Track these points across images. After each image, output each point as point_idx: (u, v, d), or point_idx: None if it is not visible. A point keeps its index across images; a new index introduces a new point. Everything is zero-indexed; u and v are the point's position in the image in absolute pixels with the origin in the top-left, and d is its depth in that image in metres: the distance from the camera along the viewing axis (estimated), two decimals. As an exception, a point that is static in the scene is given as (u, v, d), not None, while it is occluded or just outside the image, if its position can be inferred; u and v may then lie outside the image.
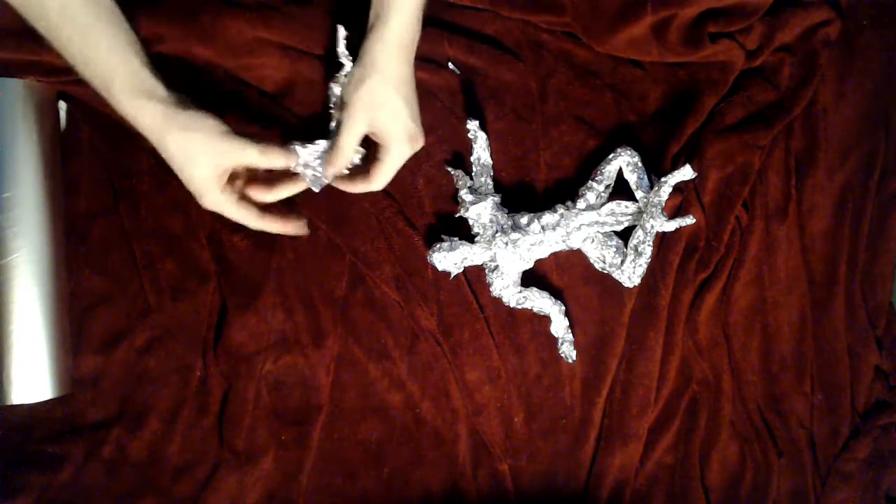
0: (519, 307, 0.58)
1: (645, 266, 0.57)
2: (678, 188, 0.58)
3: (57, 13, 0.44)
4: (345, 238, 0.60)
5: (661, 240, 0.60)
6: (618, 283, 0.59)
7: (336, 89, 0.54)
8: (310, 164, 0.52)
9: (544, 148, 0.61)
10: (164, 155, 0.48)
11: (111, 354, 0.59)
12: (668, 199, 0.56)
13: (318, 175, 0.52)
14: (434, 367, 0.60)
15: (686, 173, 0.54)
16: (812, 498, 0.62)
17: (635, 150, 0.56)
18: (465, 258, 0.56)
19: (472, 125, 0.58)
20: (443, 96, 0.60)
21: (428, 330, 0.60)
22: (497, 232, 0.56)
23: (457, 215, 0.58)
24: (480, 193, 0.57)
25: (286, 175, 0.53)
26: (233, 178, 0.50)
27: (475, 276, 0.60)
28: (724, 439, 0.62)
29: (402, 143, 0.50)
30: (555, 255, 0.60)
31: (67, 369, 0.57)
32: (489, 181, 0.59)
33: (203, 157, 0.47)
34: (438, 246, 0.56)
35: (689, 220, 0.56)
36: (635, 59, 0.62)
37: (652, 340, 0.60)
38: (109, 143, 0.60)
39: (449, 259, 0.56)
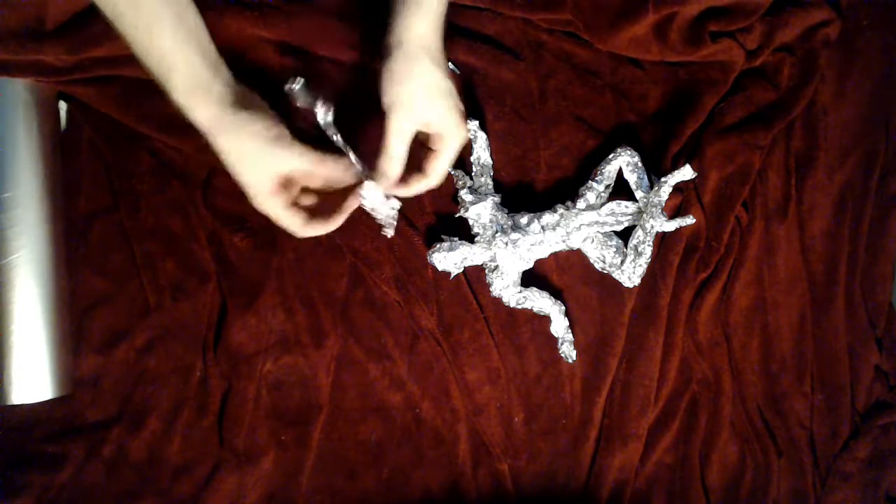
0: (519, 307, 0.58)
1: (645, 266, 0.57)
2: (678, 188, 0.58)
3: (124, 3, 0.43)
4: (345, 238, 0.60)
5: (661, 240, 0.60)
6: (618, 283, 0.59)
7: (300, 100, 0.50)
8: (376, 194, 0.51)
9: (544, 148, 0.61)
10: (216, 151, 0.47)
11: (111, 354, 0.59)
12: (668, 199, 0.56)
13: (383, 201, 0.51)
14: (434, 367, 0.60)
15: (686, 173, 0.54)
16: (812, 498, 0.62)
17: (635, 150, 0.56)
18: (465, 258, 0.56)
19: (472, 125, 0.58)
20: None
21: (428, 330, 0.60)
22: (497, 232, 0.56)
23: (457, 215, 0.58)
24: (480, 193, 0.57)
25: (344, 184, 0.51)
26: (288, 182, 0.48)
27: (475, 276, 0.60)
28: (724, 439, 0.62)
29: (460, 128, 0.49)
30: (555, 255, 0.60)
31: (67, 369, 0.57)
32: (489, 181, 0.59)
33: (253, 160, 0.46)
34: (438, 246, 0.56)
35: (689, 221, 0.56)
36: (635, 59, 0.62)
37: (652, 340, 0.60)
38: (109, 143, 0.60)
39: (449, 259, 0.56)
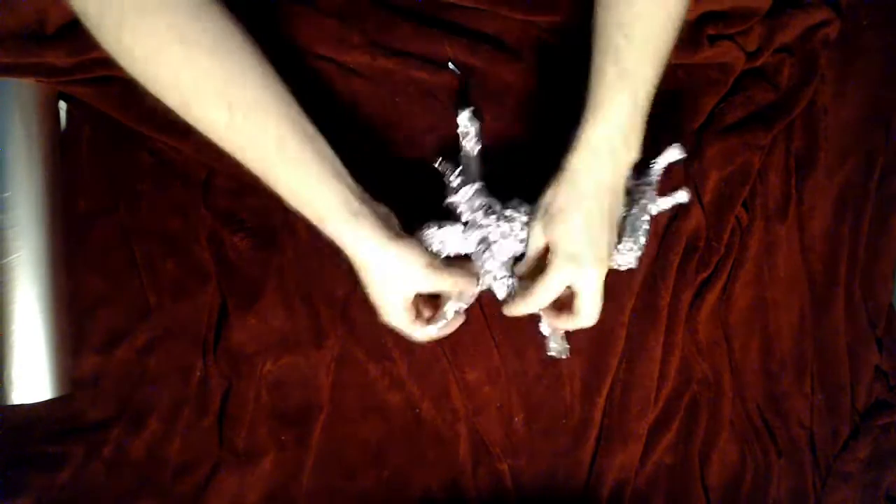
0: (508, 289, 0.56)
1: (641, 247, 0.55)
2: (677, 188, 0.58)
3: (275, 149, 0.44)
4: (345, 238, 0.60)
5: (661, 240, 0.60)
6: (618, 283, 0.59)
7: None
8: (496, 274, 0.54)
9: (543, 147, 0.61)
10: (360, 273, 0.49)
11: (111, 354, 0.59)
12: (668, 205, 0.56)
13: (507, 283, 0.54)
14: (434, 367, 0.60)
15: (674, 154, 0.53)
16: (812, 498, 0.62)
17: None
18: (454, 240, 0.54)
19: (463, 117, 0.57)
20: (443, 96, 0.60)
21: (428, 330, 0.60)
22: (487, 209, 0.54)
23: (445, 202, 0.56)
24: (468, 180, 0.55)
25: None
26: (417, 300, 0.51)
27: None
28: (724, 439, 0.62)
29: (561, 260, 0.48)
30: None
31: (67, 369, 0.57)
32: (478, 172, 0.57)
33: (401, 286, 0.48)
34: (428, 225, 0.54)
35: (682, 196, 0.55)
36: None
37: (652, 340, 0.60)
38: (109, 143, 0.60)
39: (437, 237, 0.54)
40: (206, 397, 0.59)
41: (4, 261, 0.54)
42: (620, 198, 0.49)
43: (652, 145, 0.61)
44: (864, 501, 0.62)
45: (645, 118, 0.48)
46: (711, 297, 0.61)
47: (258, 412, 0.59)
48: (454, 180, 0.56)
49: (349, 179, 0.47)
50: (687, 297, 0.60)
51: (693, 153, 0.60)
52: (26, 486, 0.56)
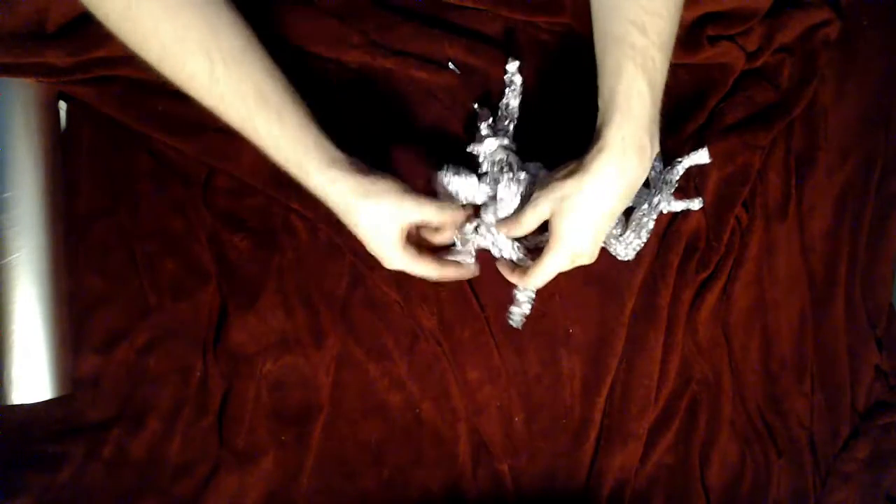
0: (507, 258, 0.57)
1: (642, 242, 0.56)
2: (679, 188, 0.58)
3: (254, 98, 0.46)
4: (345, 238, 0.59)
5: (661, 239, 0.60)
6: (618, 283, 0.59)
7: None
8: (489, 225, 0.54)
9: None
10: (350, 224, 0.49)
11: (111, 354, 0.59)
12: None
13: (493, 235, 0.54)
14: (434, 367, 0.60)
15: (702, 157, 0.54)
16: (812, 498, 0.62)
17: None
18: (468, 188, 0.55)
19: (512, 66, 0.57)
20: (443, 96, 0.60)
21: (428, 330, 0.60)
22: (504, 169, 0.54)
23: (468, 149, 0.56)
24: (498, 134, 0.56)
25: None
26: (412, 235, 0.52)
27: (475, 276, 0.60)
28: (724, 439, 0.62)
29: (564, 254, 0.49)
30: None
31: (67, 369, 0.57)
32: (511, 129, 0.57)
33: (390, 224, 0.48)
34: (445, 169, 0.54)
35: (696, 204, 0.55)
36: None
37: (652, 340, 0.60)
38: (109, 143, 0.60)
39: (453, 184, 0.54)
40: (206, 397, 0.59)
41: (4, 261, 0.54)
42: (635, 193, 0.48)
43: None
44: (864, 501, 0.62)
45: (661, 109, 0.47)
46: (711, 297, 0.61)
47: (258, 412, 0.59)
48: (484, 129, 0.56)
49: (319, 127, 0.49)
50: (687, 297, 0.60)
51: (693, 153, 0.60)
52: (26, 486, 0.56)
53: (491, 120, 0.57)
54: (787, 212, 0.62)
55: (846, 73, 0.63)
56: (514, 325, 0.58)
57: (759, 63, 0.61)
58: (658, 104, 0.46)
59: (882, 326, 0.63)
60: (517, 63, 0.57)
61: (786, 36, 0.60)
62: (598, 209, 0.46)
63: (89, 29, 0.54)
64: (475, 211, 0.56)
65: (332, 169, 0.47)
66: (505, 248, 0.56)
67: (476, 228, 0.56)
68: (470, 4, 0.60)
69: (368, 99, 0.59)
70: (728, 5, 0.58)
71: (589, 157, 0.46)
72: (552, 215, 0.48)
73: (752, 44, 0.60)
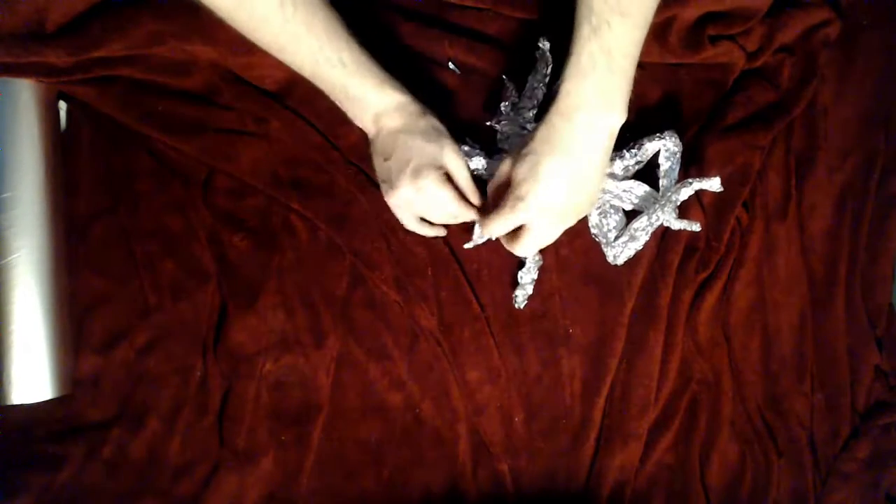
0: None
1: (633, 252, 0.57)
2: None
3: (325, 31, 0.48)
4: (345, 238, 0.60)
5: (661, 239, 0.60)
6: (618, 283, 0.59)
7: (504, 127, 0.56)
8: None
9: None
10: (383, 146, 0.51)
11: (111, 354, 0.59)
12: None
13: None
14: (434, 367, 0.60)
15: (714, 185, 0.55)
16: (812, 498, 0.62)
17: (680, 141, 0.56)
18: (479, 169, 0.56)
19: (544, 45, 0.57)
20: (443, 96, 0.60)
21: (428, 330, 0.60)
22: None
23: (488, 123, 0.57)
24: (520, 113, 0.57)
25: None
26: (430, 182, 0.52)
27: (475, 276, 0.60)
28: (724, 439, 0.62)
29: (513, 206, 0.49)
30: (555, 254, 0.60)
31: (67, 369, 0.57)
32: (534, 110, 0.58)
33: (420, 150, 0.50)
34: (460, 147, 0.55)
35: (696, 227, 0.56)
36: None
37: (652, 340, 0.60)
38: (109, 143, 0.60)
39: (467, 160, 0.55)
40: (206, 397, 0.59)
41: (4, 261, 0.54)
42: (598, 162, 0.48)
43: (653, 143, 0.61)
44: (864, 501, 0.62)
45: (630, 83, 0.47)
46: (711, 297, 0.61)
47: (258, 412, 0.59)
48: (505, 107, 0.56)
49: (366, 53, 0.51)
50: (687, 297, 0.60)
51: (693, 152, 0.60)
52: (26, 486, 0.56)
53: (517, 97, 0.57)
54: (787, 212, 0.62)
55: (846, 73, 0.63)
56: (518, 305, 0.59)
57: (759, 63, 0.61)
58: (619, 72, 0.46)
59: (882, 326, 0.63)
60: (548, 43, 0.57)
61: (786, 36, 0.60)
62: (545, 160, 0.47)
63: (89, 29, 0.54)
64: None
65: (397, 94, 0.50)
66: None
67: None
68: (470, 4, 0.60)
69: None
70: (729, 5, 0.58)
71: (546, 114, 0.48)
72: (514, 170, 0.49)
73: (752, 44, 0.60)
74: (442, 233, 0.58)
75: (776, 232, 0.62)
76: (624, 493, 0.60)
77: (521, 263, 0.59)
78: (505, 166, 0.51)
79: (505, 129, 0.56)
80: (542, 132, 0.48)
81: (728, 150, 0.59)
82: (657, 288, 0.60)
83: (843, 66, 0.63)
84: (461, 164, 0.52)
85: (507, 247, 0.54)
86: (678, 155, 0.56)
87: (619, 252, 0.57)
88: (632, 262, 0.60)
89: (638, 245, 0.57)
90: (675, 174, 0.56)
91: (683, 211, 0.60)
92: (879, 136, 0.63)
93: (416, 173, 0.50)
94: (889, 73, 0.63)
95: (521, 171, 0.48)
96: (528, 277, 0.59)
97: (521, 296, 0.59)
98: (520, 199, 0.48)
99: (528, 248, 0.53)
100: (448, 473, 0.61)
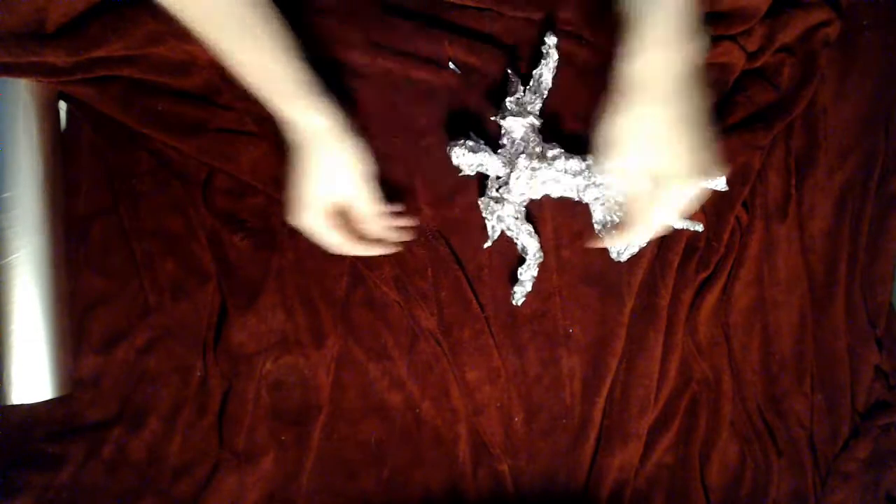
0: (508, 233, 0.58)
1: (637, 248, 0.57)
2: None
3: (237, 25, 0.46)
4: (345, 238, 0.60)
5: (661, 240, 0.60)
6: (618, 283, 0.59)
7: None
8: (509, 222, 0.56)
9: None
10: (304, 156, 0.49)
11: (111, 354, 0.59)
12: None
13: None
14: (434, 367, 0.60)
15: (720, 184, 0.55)
16: (812, 498, 0.62)
17: None
18: (482, 164, 0.56)
19: (550, 40, 0.57)
20: (443, 96, 0.60)
21: (428, 330, 0.60)
22: (522, 153, 0.55)
23: (492, 118, 0.57)
24: (525, 109, 0.56)
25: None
26: (337, 208, 0.52)
27: (475, 276, 0.60)
28: (724, 439, 0.62)
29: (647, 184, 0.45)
30: (555, 254, 0.60)
31: (67, 369, 0.57)
32: (539, 103, 0.58)
33: (338, 180, 0.49)
34: (462, 141, 0.55)
35: (698, 227, 0.56)
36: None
37: (652, 340, 0.60)
38: (109, 143, 0.60)
39: (467, 158, 0.55)
40: (206, 397, 0.59)
41: (4, 261, 0.54)
42: (693, 90, 0.44)
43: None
44: (864, 501, 0.62)
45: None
46: (711, 297, 0.61)
47: (258, 412, 0.59)
48: (510, 103, 0.56)
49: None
50: (687, 297, 0.60)
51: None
52: (26, 486, 0.56)
53: (522, 92, 0.57)
54: (787, 212, 0.62)
55: (846, 73, 0.63)
56: (515, 302, 0.59)
57: (759, 63, 0.61)
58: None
59: (882, 326, 0.63)
60: (555, 38, 0.57)
61: (786, 36, 0.60)
62: (645, 113, 0.44)
63: (89, 29, 0.54)
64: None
65: (316, 101, 0.48)
66: (508, 222, 0.57)
67: (496, 199, 0.57)
68: (470, 4, 0.60)
69: (369, 99, 0.58)
70: (729, 4, 0.58)
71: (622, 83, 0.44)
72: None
73: (752, 44, 0.60)
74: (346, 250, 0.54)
75: (776, 232, 0.62)
76: (624, 492, 0.60)
77: (520, 260, 0.59)
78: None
79: (510, 124, 0.56)
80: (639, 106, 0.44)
81: (728, 150, 0.59)
82: (657, 288, 0.60)
83: (843, 66, 0.63)
84: (368, 193, 0.51)
85: (625, 238, 0.50)
86: None
87: (623, 249, 0.57)
88: (632, 262, 0.60)
89: (642, 241, 0.57)
90: None
91: (684, 212, 0.60)
92: (879, 136, 0.63)
93: (299, 216, 0.50)
94: (889, 73, 0.63)
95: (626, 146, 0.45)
96: (527, 274, 0.59)
97: (520, 293, 0.59)
98: (655, 171, 0.44)
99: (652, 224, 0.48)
100: (448, 473, 0.61)
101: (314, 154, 0.49)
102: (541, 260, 0.59)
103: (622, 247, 0.57)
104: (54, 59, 0.54)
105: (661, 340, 0.60)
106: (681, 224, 0.56)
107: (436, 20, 0.60)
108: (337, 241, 0.52)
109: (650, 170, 0.45)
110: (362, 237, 0.54)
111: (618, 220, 0.57)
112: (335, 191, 0.50)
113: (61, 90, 0.59)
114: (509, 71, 0.58)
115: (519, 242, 0.59)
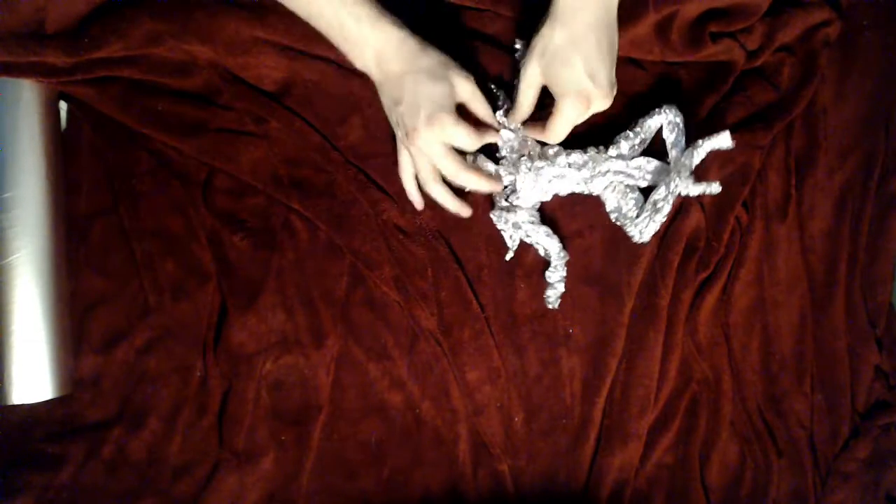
0: (527, 240, 0.58)
1: (658, 224, 0.56)
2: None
3: None
4: (345, 238, 0.60)
5: (662, 239, 0.60)
6: (618, 283, 0.59)
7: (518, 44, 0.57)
8: (523, 225, 0.56)
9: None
10: (392, 94, 0.50)
11: (111, 354, 0.59)
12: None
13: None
14: (434, 367, 0.60)
15: (724, 140, 0.54)
16: (812, 498, 0.62)
17: (679, 111, 0.56)
18: (490, 171, 0.56)
19: (521, 45, 0.57)
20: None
21: (428, 330, 0.60)
22: (523, 157, 0.55)
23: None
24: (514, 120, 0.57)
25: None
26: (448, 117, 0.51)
27: (475, 276, 0.60)
28: (724, 439, 0.62)
29: (571, 99, 0.49)
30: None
31: (67, 369, 0.57)
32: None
33: (430, 88, 0.49)
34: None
35: (715, 188, 0.54)
36: (636, 59, 0.62)
37: (652, 340, 0.60)
38: (110, 143, 0.60)
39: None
40: (206, 397, 0.59)
41: (4, 261, 0.54)
42: (615, 31, 0.50)
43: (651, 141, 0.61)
44: (864, 501, 0.62)
45: None
46: (711, 297, 0.61)
47: (258, 412, 0.59)
48: (501, 116, 0.56)
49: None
50: (687, 297, 0.60)
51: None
52: (26, 486, 0.56)
53: (508, 103, 0.57)
54: (787, 212, 0.62)
55: (846, 73, 0.63)
56: (551, 306, 0.59)
57: (759, 62, 0.61)
58: None
59: (882, 326, 0.63)
60: (524, 42, 0.57)
61: (786, 35, 0.60)
62: (574, 50, 0.47)
63: (89, 29, 0.54)
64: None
65: (395, 29, 0.49)
66: (526, 228, 0.57)
67: (506, 209, 0.57)
68: (470, 4, 0.60)
69: (368, 99, 0.58)
70: (729, 1, 0.58)
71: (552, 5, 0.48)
72: (544, 73, 0.50)
73: (753, 42, 0.60)
74: (465, 213, 0.57)
75: (776, 232, 0.62)
76: (624, 492, 0.60)
77: (546, 263, 0.59)
78: (527, 76, 0.51)
79: (504, 135, 0.56)
80: (560, 28, 0.48)
81: (728, 149, 0.59)
82: (657, 288, 0.60)
83: (843, 66, 0.63)
84: (473, 91, 0.51)
85: (540, 136, 0.54)
86: (681, 124, 0.56)
87: (645, 226, 0.56)
88: (632, 262, 0.60)
89: (662, 216, 0.56)
90: (683, 143, 0.56)
91: (684, 212, 0.60)
92: (879, 136, 0.63)
93: (430, 120, 0.49)
94: (889, 73, 0.63)
95: (560, 72, 0.48)
96: (556, 276, 0.58)
97: (553, 295, 0.59)
98: (580, 91, 0.48)
99: (563, 131, 0.52)
100: (448, 473, 0.61)
101: (412, 73, 0.49)
102: (567, 259, 0.58)
103: (644, 225, 0.57)
104: (54, 60, 0.54)
105: (661, 340, 0.60)
106: (697, 189, 0.55)
107: (435, 20, 0.60)
108: (473, 137, 0.51)
109: (549, 84, 0.50)
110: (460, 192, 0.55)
111: (633, 203, 0.57)
112: (447, 92, 0.49)
113: (61, 90, 0.59)
114: (492, 86, 0.58)
115: (540, 247, 0.58)
